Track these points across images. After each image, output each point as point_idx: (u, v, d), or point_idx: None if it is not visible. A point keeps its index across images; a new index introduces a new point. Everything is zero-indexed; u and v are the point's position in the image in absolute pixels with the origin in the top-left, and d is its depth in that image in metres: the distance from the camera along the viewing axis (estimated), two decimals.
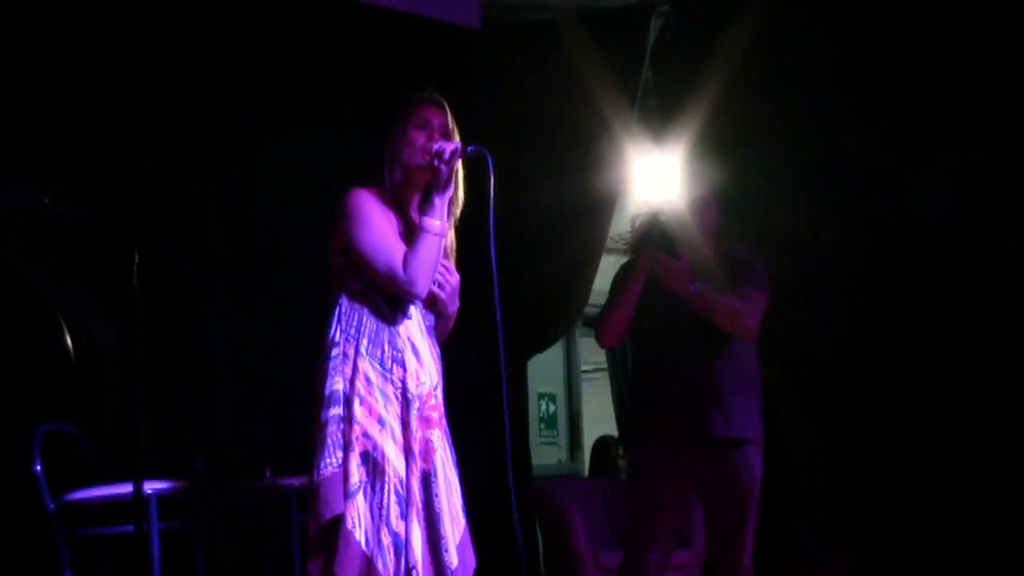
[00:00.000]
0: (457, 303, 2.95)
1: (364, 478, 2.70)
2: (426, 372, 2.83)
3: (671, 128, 4.96)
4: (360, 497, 2.69)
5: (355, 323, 2.80)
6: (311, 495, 2.72)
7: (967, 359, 4.55)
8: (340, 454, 2.71)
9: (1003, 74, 4.43)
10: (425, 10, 4.99)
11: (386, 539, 2.68)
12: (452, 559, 2.77)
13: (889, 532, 4.70)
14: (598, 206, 5.22)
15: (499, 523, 3.02)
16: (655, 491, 3.64)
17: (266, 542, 4.27)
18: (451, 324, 2.97)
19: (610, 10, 5.17)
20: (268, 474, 4.37)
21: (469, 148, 2.86)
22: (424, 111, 2.90)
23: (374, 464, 2.71)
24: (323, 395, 2.76)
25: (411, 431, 2.77)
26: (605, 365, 7.07)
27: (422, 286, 2.80)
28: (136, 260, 3.19)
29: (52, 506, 3.75)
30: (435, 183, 2.84)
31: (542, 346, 5.63)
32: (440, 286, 2.87)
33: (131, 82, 4.44)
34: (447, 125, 2.91)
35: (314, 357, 2.84)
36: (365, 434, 2.72)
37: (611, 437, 6.91)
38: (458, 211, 2.93)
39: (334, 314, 2.82)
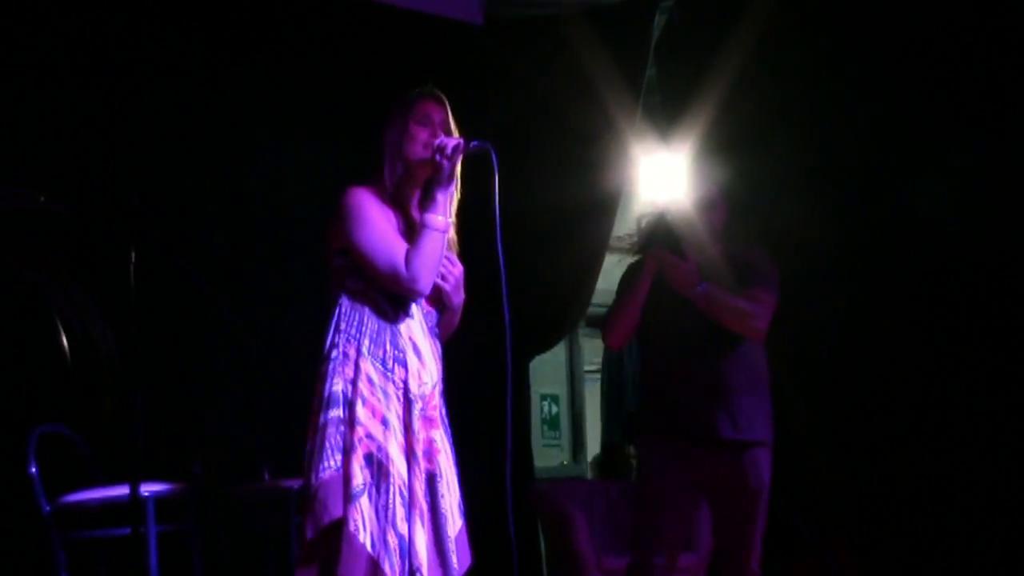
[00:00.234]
0: (462, 295, 2.94)
1: (368, 480, 2.69)
2: (428, 372, 2.82)
3: (676, 126, 4.96)
4: (365, 499, 2.68)
5: (356, 323, 2.79)
6: (308, 498, 2.72)
7: (976, 360, 4.55)
8: (339, 457, 2.70)
9: (1008, 73, 4.43)
10: (426, 6, 4.98)
11: (392, 541, 2.68)
12: (456, 560, 2.77)
13: (897, 535, 4.70)
14: (602, 205, 5.22)
15: (499, 524, 3.01)
16: (662, 493, 3.64)
17: (264, 545, 4.27)
18: (457, 318, 2.97)
19: (613, 6, 5.17)
20: (266, 476, 4.37)
21: (472, 144, 2.86)
22: (424, 106, 2.90)
23: (379, 466, 2.70)
24: (323, 397, 2.75)
25: (413, 432, 2.76)
26: None
27: (425, 283, 2.80)
28: (133, 260, 3.20)
29: (48, 509, 3.76)
30: (437, 178, 2.84)
31: (545, 346, 5.62)
32: (443, 278, 2.87)
33: (128, 80, 4.44)
34: (448, 120, 2.91)
35: (313, 358, 2.83)
36: (369, 435, 2.71)
37: (617, 437, 6.90)
38: (455, 206, 2.92)
39: (334, 314, 2.82)
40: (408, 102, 2.90)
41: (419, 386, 2.79)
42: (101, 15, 4.37)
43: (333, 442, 2.71)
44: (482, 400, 3.96)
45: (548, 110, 5.17)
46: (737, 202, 3.83)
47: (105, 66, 4.38)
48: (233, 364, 4.53)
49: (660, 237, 3.62)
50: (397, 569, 2.68)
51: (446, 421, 2.88)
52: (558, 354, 6.69)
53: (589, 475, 6.83)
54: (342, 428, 2.71)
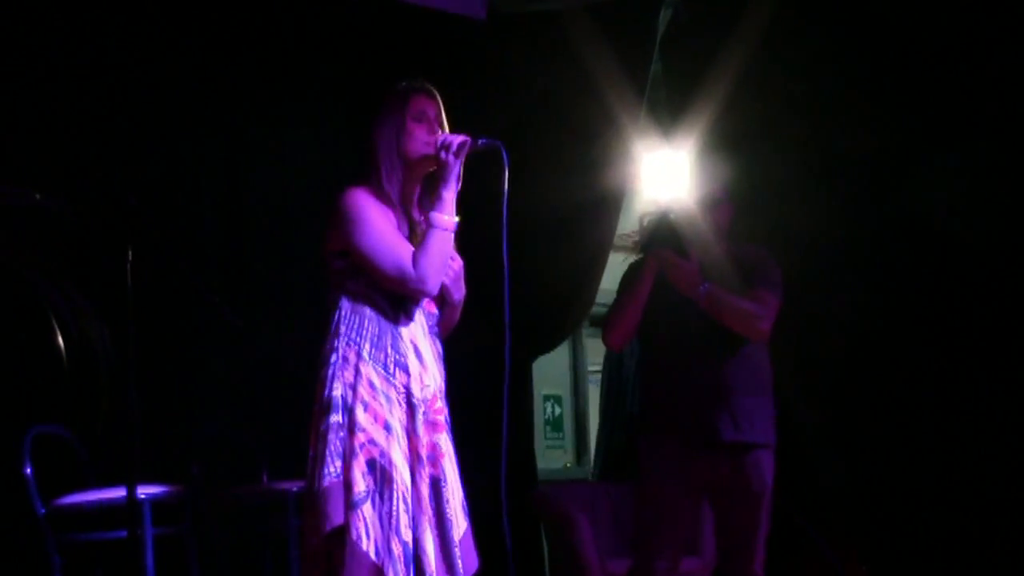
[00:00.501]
0: (463, 289, 2.93)
1: (372, 487, 2.68)
2: (430, 375, 2.81)
3: (681, 123, 4.95)
4: (368, 506, 2.67)
5: (356, 326, 2.78)
6: (309, 505, 2.71)
7: (984, 360, 4.55)
8: (339, 463, 2.69)
9: (1017, 70, 4.43)
10: (428, 1, 4.98)
11: (396, 548, 2.67)
12: (462, 564, 2.77)
13: (904, 538, 4.70)
14: (606, 203, 5.21)
15: (496, 531, 3.01)
16: (663, 496, 3.64)
17: (263, 548, 4.28)
18: (457, 314, 2.96)
19: (617, 1, 5.16)
20: (265, 478, 4.37)
21: (480, 141, 2.84)
22: (419, 102, 2.89)
23: (382, 472, 2.69)
24: (323, 402, 2.74)
25: (418, 436, 2.76)
26: None
27: (433, 284, 2.79)
28: (130, 259, 3.20)
29: (43, 511, 3.76)
30: (443, 177, 2.82)
31: (548, 347, 5.61)
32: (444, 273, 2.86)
33: (124, 77, 4.44)
34: (441, 115, 2.90)
35: (313, 358, 2.83)
36: (371, 441, 2.70)
37: (620, 439, 6.89)
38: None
39: (334, 318, 2.80)
40: (401, 98, 2.89)
41: (421, 390, 2.78)
42: (98, 13, 4.37)
43: (333, 448, 2.70)
44: (484, 401, 3.96)
45: (551, 107, 5.16)
46: (741, 201, 3.83)
47: (102, 63, 4.38)
48: (231, 364, 4.52)
49: (662, 236, 3.61)
50: None
51: (449, 423, 2.87)
52: (561, 354, 6.68)
53: (590, 476, 6.82)
54: (342, 434, 2.70)
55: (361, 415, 2.71)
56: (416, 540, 2.71)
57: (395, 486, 2.69)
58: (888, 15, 4.69)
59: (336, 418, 2.71)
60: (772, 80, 4.90)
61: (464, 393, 3.23)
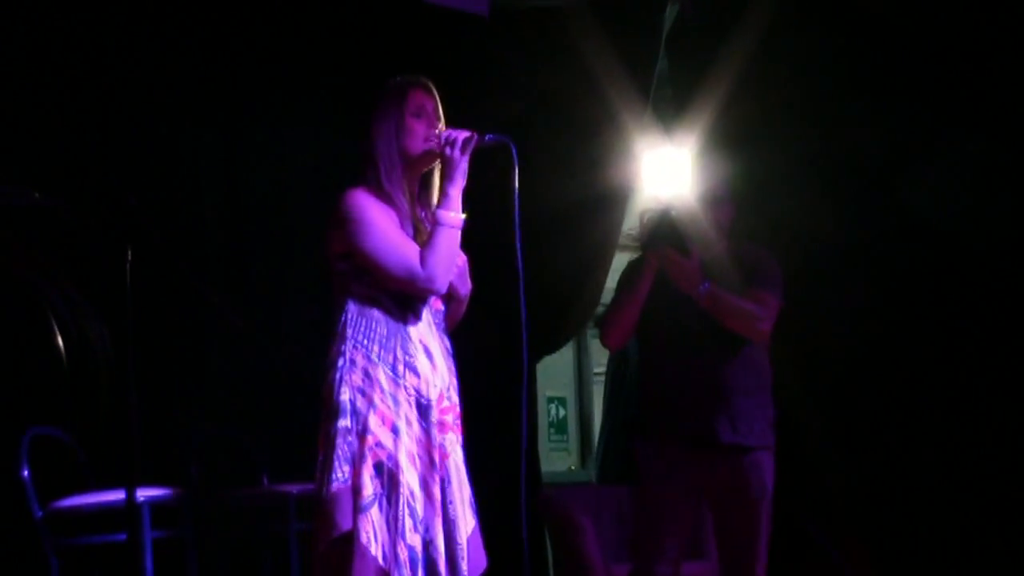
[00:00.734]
0: (469, 284, 2.93)
1: (379, 490, 2.68)
2: (439, 375, 2.80)
3: (684, 120, 4.94)
4: (375, 510, 2.67)
5: (364, 329, 2.77)
6: (318, 511, 2.71)
7: (993, 361, 4.53)
8: (347, 468, 2.69)
9: (1016, 67, 4.42)
10: None
11: (403, 553, 2.66)
12: (468, 565, 2.77)
13: (914, 542, 4.68)
14: (611, 201, 5.19)
15: (505, 529, 3.00)
16: (662, 499, 3.62)
17: (263, 552, 4.27)
18: (463, 308, 2.95)
19: None
20: (265, 481, 4.37)
21: (488, 137, 2.83)
22: (417, 97, 2.87)
23: (389, 475, 2.69)
24: (330, 407, 2.74)
25: (432, 439, 2.76)
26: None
27: (442, 282, 2.78)
28: (129, 258, 3.18)
29: (40, 514, 3.76)
30: (449, 174, 2.81)
31: (552, 348, 5.60)
32: None
33: (124, 76, 4.43)
34: (439, 109, 2.89)
35: (314, 359, 2.82)
36: (379, 444, 2.70)
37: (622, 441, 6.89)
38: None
39: (340, 320, 2.79)
40: (399, 94, 2.87)
41: (429, 389, 2.78)
42: (97, 10, 4.37)
43: (341, 453, 2.69)
44: (489, 402, 3.95)
45: (554, 104, 5.15)
46: (743, 199, 3.81)
47: (101, 61, 4.37)
48: (231, 365, 4.52)
49: (663, 234, 3.60)
50: None
51: (460, 420, 2.86)
52: (565, 356, 6.67)
53: (595, 479, 6.81)
54: (350, 438, 2.70)
55: (370, 418, 2.70)
56: (430, 541, 2.71)
57: (401, 489, 2.68)
58: (891, 13, 4.67)
59: (344, 422, 2.71)
60: (774, 78, 4.89)
61: (468, 394, 3.22)
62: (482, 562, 2.85)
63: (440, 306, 2.87)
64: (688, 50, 5.24)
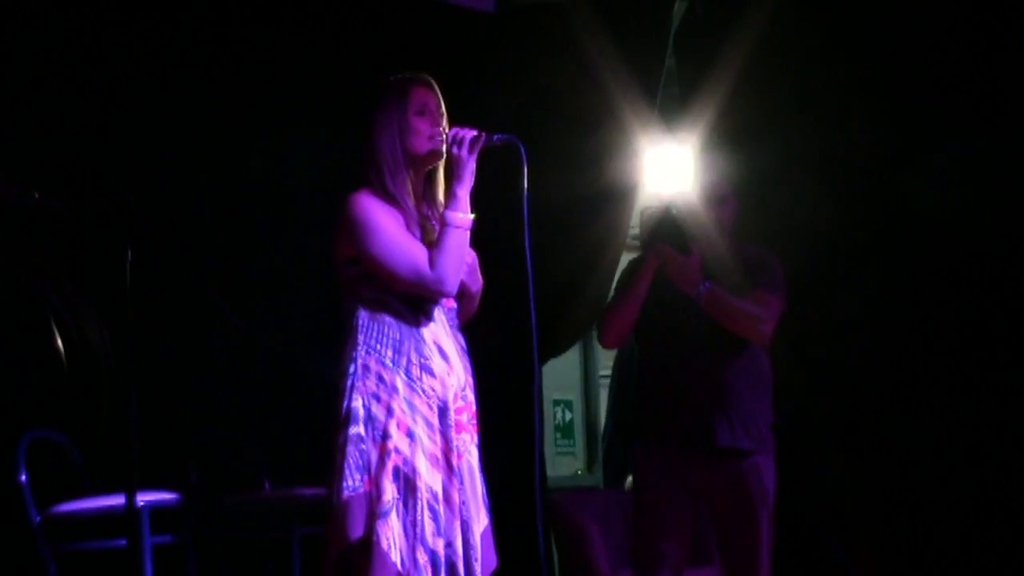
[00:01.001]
0: (480, 280, 2.92)
1: (396, 495, 2.68)
2: (454, 374, 2.81)
3: (689, 117, 4.92)
4: (393, 516, 2.67)
5: (376, 334, 2.77)
6: (329, 518, 2.72)
7: (999, 361, 4.52)
8: (359, 476, 2.70)
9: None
10: None
11: (422, 558, 2.68)
12: (479, 568, 2.78)
13: (928, 547, 4.66)
14: (619, 199, 5.17)
15: (511, 536, 2.98)
16: (660, 504, 3.61)
17: (265, 558, 4.25)
18: (476, 304, 2.95)
19: None
20: (267, 486, 4.35)
21: (495, 137, 2.82)
22: (419, 95, 2.86)
23: (406, 480, 2.70)
24: (342, 414, 2.74)
25: (449, 441, 2.76)
26: None
27: (452, 284, 2.78)
28: (129, 258, 3.16)
29: (38, 519, 3.75)
30: (456, 174, 2.81)
31: (558, 350, 5.58)
32: None
33: (123, 73, 4.42)
34: (441, 106, 2.88)
35: (316, 361, 2.81)
36: (396, 449, 2.70)
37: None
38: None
39: (351, 326, 2.79)
40: (401, 92, 2.86)
41: (446, 390, 2.78)
42: (96, 7, 4.36)
43: (353, 461, 2.70)
44: (492, 406, 3.92)
45: (560, 101, 5.13)
46: (746, 197, 3.79)
47: (100, 59, 4.36)
48: (232, 367, 4.50)
49: (663, 232, 3.58)
50: None
51: (474, 421, 2.86)
52: (571, 358, 6.66)
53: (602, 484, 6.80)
54: (362, 446, 2.70)
55: (386, 423, 2.71)
56: (449, 544, 2.72)
57: (419, 494, 2.69)
58: (895, 9, 4.66)
59: (356, 430, 2.71)
60: (777, 74, 4.88)
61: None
62: (493, 562, 2.85)
63: (453, 304, 2.87)
64: (696, 48, 5.23)
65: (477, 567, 2.76)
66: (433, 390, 2.75)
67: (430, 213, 2.89)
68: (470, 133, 2.81)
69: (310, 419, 4.39)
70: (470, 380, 2.85)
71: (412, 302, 2.79)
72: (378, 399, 2.72)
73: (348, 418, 2.71)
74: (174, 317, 4.33)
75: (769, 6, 4.76)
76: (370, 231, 2.75)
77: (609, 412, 6.48)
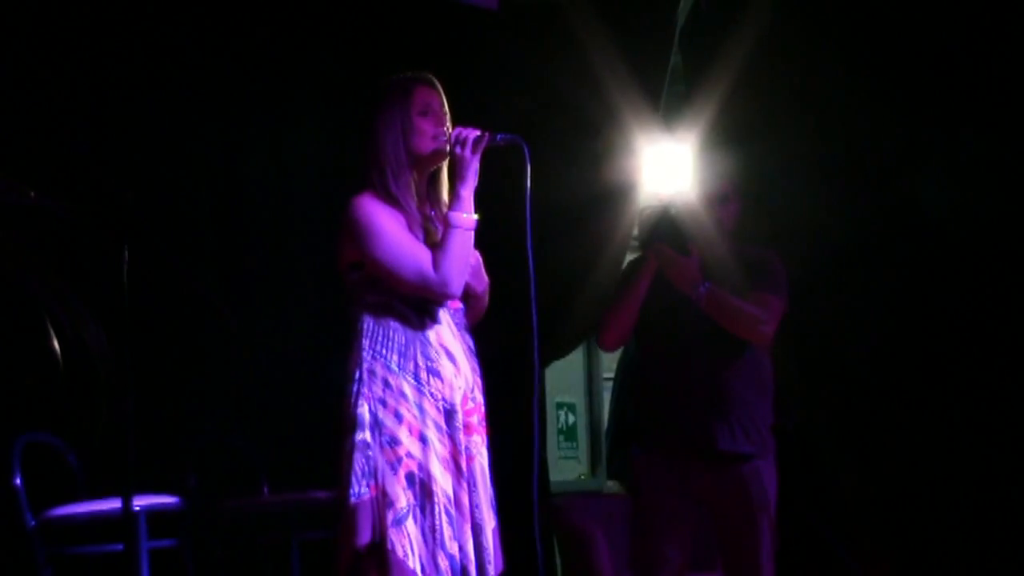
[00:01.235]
0: (486, 279, 2.93)
1: (412, 501, 2.69)
2: (462, 376, 2.81)
3: (692, 116, 4.91)
4: (410, 522, 2.68)
5: (381, 339, 2.77)
6: (339, 524, 2.72)
7: (1007, 361, 4.52)
8: (365, 482, 2.70)
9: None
10: None
11: (443, 563, 2.69)
12: (492, 570, 2.80)
13: (934, 549, 4.66)
14: (623, 197, 5.16)
15: (513, 540, 2.97)
16: (660, 510, 3.60)
17: (263, 563, 4.25)
18: (484, 303, 2.95)
19: None
20: (266, 490, 4.34)
21: (499, 137, 2.81)
22: (423, 95, 2.86)
23: (421, 485, 2.71)
24: (347, 420, 2.74)
25: (458, 444, 2.77)
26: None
27: (457, 286, 2.78)
28: (126, 258, 3.18)
29: (33, 523, 3.75)
30: (459, 174, 2.81)
31: (561, 352, 5.57)
32: None
33: (119, 71, 4.42)
34: (444, 106, 2.88)
35: (317, 362, 2.82)
36: (408, 454, 2.71)
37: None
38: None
39: (356, 332, 2.80)
40: (405, 92, 2.86)
41: (454, 393, 2.78)
42: (94, 5, 4.35)
43: (359, 467, 2.70)
44: (497, 408, 3.91)
45: (566, 100, 5.12)
46: (747, 197, 3.77)
47: (96, 56, 4.36)
48: (230, 369, 4.49)
49: (662, 232, 3.56)
50: None
51: (484, 423, 2.87)
52: (575, 360, 6.64)
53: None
54: (368, 452, 2.71)
55: (395, 428, 2.71)
56: (460, 548, 2.73)
57: (436, 499, 2.70)
58: (899, 8, 4.66)
59: (362, 436, 2.71)
60: (778, 72, 4.87)
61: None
62: (500, 564, 2.86)
63: (458, 305, 2.88)
64: (701, 45, 5.22)
65: (491, 569, 2.77)
66: (441, 393, 2.76)
67: (433, 214, 2.88)
68: (473, 133, 2.80)
69: (309, 423, 4.40)
70: (478, 381, 2.86)
71: (417, 305, 2.79)
72: (385, 404, 2.72)
73: (354, 424, 2.72)
74: (172, 318, 4.33)
75: (771, 4, 4.76)
76: (373, 235, 2.75)
77: (612, 415, 6.47)
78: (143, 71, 4.46)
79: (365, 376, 2.74)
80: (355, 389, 2.74)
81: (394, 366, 2.74)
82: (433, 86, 2.89)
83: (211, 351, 4.47)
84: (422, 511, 2.69)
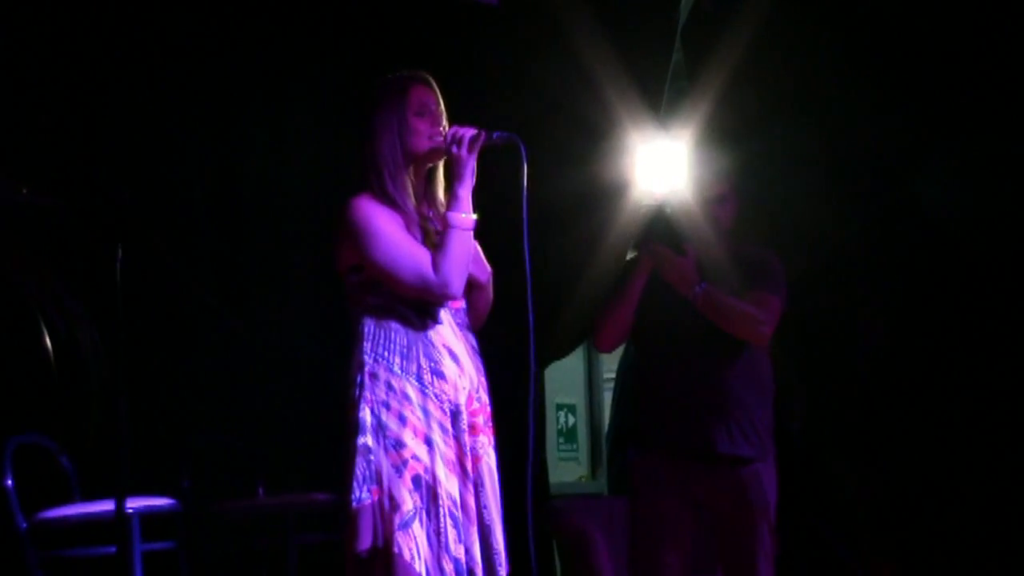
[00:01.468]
0: (487, 268, 2.94)
1: (419, 504, 2.70)
2: (466, 376, 2.82)
3: (688, 112, 4.91)
4: (416, 525, 2.69)
5: (383, 341, 2.78)
6: (343, 527, 2.73)
7: (1011, 364, 4.51)
8: (366, 487, 2.71)
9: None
10: None
11: (448, 566, 2.70)
12: (503, 573, 2.80)
13: (937, 551, 4.65)
14: (619, 195, 5.15)
15: (510, 545, 2.97)
16: (658, 514, 3.60)
17: (259, 567, 4.24)
18: (489, 294, 2.96)
19: None
20: (261, 492, 4.34)
21: (495, 135, 2.81)
22: (419, 94, 2.87)
23: (427, 488, 2.71)
24: (350, 424, 2.75)
25: (463, 445, 2.77)
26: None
27: (457, 286, 2.78)
28: (120, 256, 3.16)
29: (24, 525, 3.76)
30: (456, 173, 2.81)
31: (561, 352, 5.56)
32: None
33: (115, 66, 4.42)
34: (441, 104, 2.89)
35: (313, 363, 2.81)
36: (414, 457, 2.72)
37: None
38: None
39: (358, 335, 2.80)
40: (400, 92, 2.86)
41: (458, 393, 2.79)
42: (88, 2, 4.34)
43: (360, 472, 2.71)
44: (496, 409, 3.91)
45: (566, 97, 5.11)
46: (744, 195, 3.77)
47: (91, 53, 4.36)
48: (226, 369, 4.49)
49: (658, 231, 3.56)
50: None
51: (490, 423, 2.87)
52: (575, 361, 6.65)
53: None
54: (370, 457, 2.71)
55: (400, 431, 2.71)
56: (467, 551, 2.74)
57: (441, 501, 2.71)
58: (898, 3, 4.66)
59: (363, 440, 2.72)
60: (775, 67, 4.87)
61: None
62: (507, 566, 2.87)
63: (460, 304, 2.88)
64: (702, 41, 5.21)
65: (502, 572, 2.78)
66: (445, 394, 2.76)
67: (431, 213, 2.88)
68: (469, 132, 2.80)
69: (306, 423, 4.40)
70: (483, 381, 2.87)
71: (418, 307, 2.80)
72: (388, 407, 2.73)
73: (355, 429, 2.72)
74: (166, 318, 4.33)
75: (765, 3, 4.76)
76: (372, 237, 2.76)
77: (613, 416, 6.47)
78: (138, 68, 4.46)
79: (367, 380, 2.75)
80: (357, 393, 2.75)
81: (397, 368, 2.75)
82: (429, 85, 2.89)
83: (206, 351, 4.47)
84: (428, 514, 2.70)
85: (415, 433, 2.72)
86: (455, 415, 2.77)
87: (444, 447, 2.74)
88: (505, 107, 4.62)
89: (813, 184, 4.81)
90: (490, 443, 2.85)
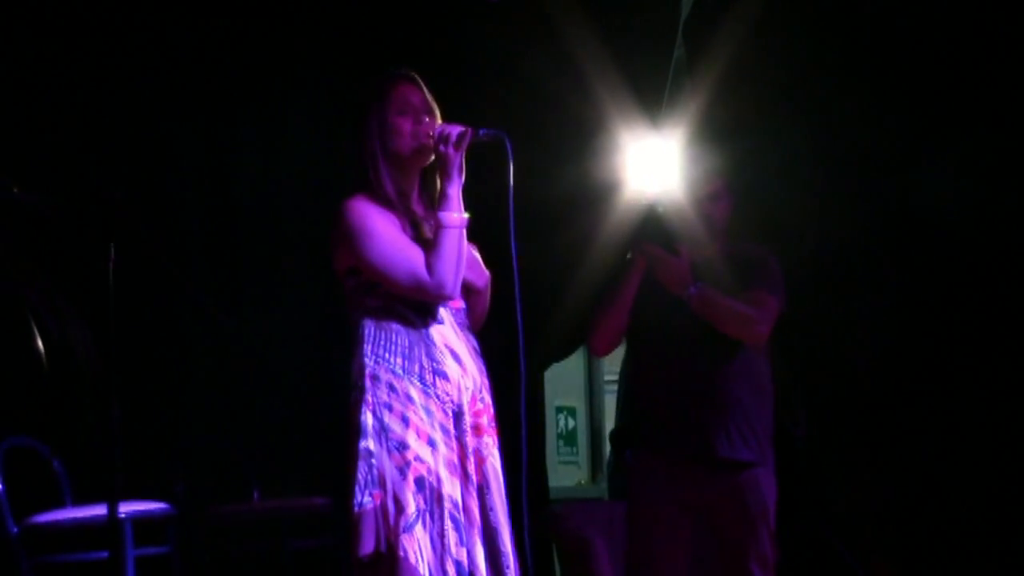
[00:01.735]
0: (486, 273, 2.93)
1: (422, 506, 2.70)
2: (469, 376, 2.82)
3: (681, 110, 4.91)
4: (420, 528, 2.69)
5: (384, 343, 2.77)
6: (347, 531, 2.73)
7: (1014, 365, 4.50)
8: (369, 490, 2.70)
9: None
10: None
11: (451, 569, 2.70)
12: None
13: (940, 554, 4.66)
14: (612, 194, 5.15)
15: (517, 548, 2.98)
16: (656, 519, 3.58)
17: (254, 571, 4.24)
18: (486, 299, 2.95)
19: None
20: (256, 496, 4.34)
21: (482, 132, 2.81)
22: (401, 92, 2.86)
23: (431, 490, 2.71)
24: (351, 427, 2.75)
25: (465, 447, 2.77)
26: None
27: (452, 287, 2.78)
28: (113, 257, 3.17)
29: (15, 529, 3.74)
30: (444, 172, 2.80)
31: (561, 355, 5.57)
32: None
33: (108, 66, 4.43)
34: (427, 101, 2.87)
35: (310, 365, 2.80)
36: (417, 458, 2.71)
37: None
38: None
39: (358, 337, 2.79)
40: (381, 92, 2.86)
41: (461, 393, 2.79)
42: (81, 1, 4.35)
43: (362, 476, 2.70)
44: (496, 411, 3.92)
45: (565, 94, 5.11)
46: (739, 194, 3.76)
47: (85, 52, 4.36)
48: (220, 371, 4.50)
49: (651, 231, 3.55)
50: None
51: (494, 424, 2.87)
52: (575, 363, 6.65)
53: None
54: (372, 460, 2.71)
55: (403, 433, 2.71)
56: (469, 553, 2.73)
57: (444, 503, 2.71)
58: (894, 2, 4.66)
59: (365, 443, 2.71)
60: (769, 65, 4.86)
61: None
62: (516, 568, 2.85)
63: (460, 304, 2.87)
64: (700, 38, 5.21)
65: (510, 574, 2.77)
66: (448, 394, 2.76)
67: (428, 213, 2.88)
68: (456, 129, 2.80)
69: (301, 427, 4.40)
70: (485, 382, 2.86)
71: (418, 307, 2.80)
72: (391, 409, 2.73)
73: (357, 432, 2.72)
74: (160, 319, 4.33)
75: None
76: (366, 239, 2.76)
77: (617, 419, 6.47)
78: (131, 67, 4.47)
79: (368, 382, 2.74)
80: (358, 396, 2.74)
81: (399, 369, 2.74)
82: (414, 83, 2.89)
83: (200, 353, 4.47)
84: (431, 516, 2.70)
85: (418, 434, 2.72)
86: (457, 416, 2.77)
87: (445, 448, 2.74)
88: (496, 104, 4.62)
89: (812, 182, 4.80)
90: (495, 444, 2.85)
